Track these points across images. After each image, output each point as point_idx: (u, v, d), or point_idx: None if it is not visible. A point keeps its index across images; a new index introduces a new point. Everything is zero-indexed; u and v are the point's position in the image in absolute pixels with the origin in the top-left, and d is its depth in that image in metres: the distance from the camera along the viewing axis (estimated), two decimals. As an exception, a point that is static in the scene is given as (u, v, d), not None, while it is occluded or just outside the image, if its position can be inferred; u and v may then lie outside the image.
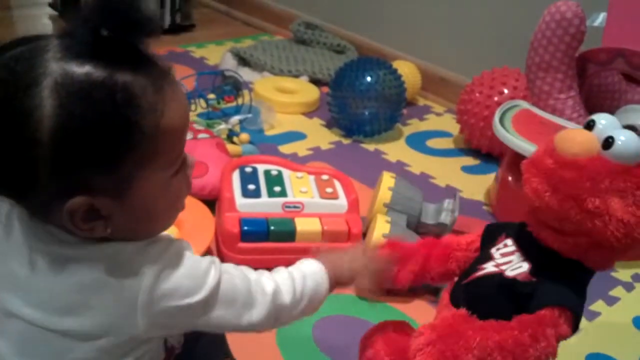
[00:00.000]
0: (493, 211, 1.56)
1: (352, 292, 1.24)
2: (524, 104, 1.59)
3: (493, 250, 0.90)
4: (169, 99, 0.60)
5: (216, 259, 0.69)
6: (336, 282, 0.81)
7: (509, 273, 0.87)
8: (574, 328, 0.84)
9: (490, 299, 0.87)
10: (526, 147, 1.42)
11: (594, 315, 1.27)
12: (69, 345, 0.63)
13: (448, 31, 2.11)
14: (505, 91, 1.74)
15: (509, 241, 0.90)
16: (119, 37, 0.57)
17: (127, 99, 0.57)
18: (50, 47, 0.57)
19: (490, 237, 0.94)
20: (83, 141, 0.56)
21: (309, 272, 0.78)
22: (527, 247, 0.88)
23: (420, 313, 1.20)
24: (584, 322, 1.21)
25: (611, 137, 0.78)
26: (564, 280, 0.84)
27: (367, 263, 0.85)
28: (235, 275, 0.70)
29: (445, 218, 1.36)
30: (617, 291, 1.35)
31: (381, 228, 1.21)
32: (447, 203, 1.38)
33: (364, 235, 1.32)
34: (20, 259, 0.63)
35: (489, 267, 0.89)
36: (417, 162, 1.76)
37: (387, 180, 1.37)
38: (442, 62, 2.13)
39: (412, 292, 1.24)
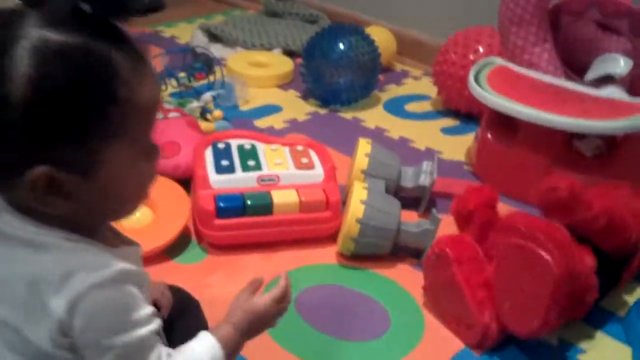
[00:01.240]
0: (474, 170, 1.54)
1: (335, 261, 1.23)
2: (499, 61, 1.56)
3: None
4: (142, 78, 0.60)
5: (155, 325, 0.63)
6: (233, 350, 0.74)
7: None
8: None
9: None
10: (503, 103, 1.40)
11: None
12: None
13: (420, -7, 2.07)
14: (480, 49, 1.71)
15: None
16: (98, 14, 0.57)
17: (103, 67, 0.56)
18: (29, 15, 0.56)
19: None
20: (55, 105, 0.55)
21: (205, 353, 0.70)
22: None
23: (404, 277, 1.19)
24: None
25: None
26: None
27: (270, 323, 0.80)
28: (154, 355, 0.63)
29: (424, 180, 1.33)
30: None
31: (359, 195, 1.19)
32: (426, 165, 1.36)
33: (344, 203, 1.30)
34: None
35: None
36: (396, 127, 1.74)
37: (363, 146, 1.34)
38: (417, 25, 2.10)
39: (395, 256, 1.23)
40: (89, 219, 0.62)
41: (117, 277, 0.60)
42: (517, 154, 1.43)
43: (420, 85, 2.01)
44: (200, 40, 2.06)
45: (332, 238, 1.25)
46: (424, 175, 1.34)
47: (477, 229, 1.10)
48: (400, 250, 1.23)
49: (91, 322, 0.59)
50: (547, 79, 1.48)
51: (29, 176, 0.56)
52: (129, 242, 0.71)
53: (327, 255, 1.24)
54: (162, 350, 0.64)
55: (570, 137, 1.42)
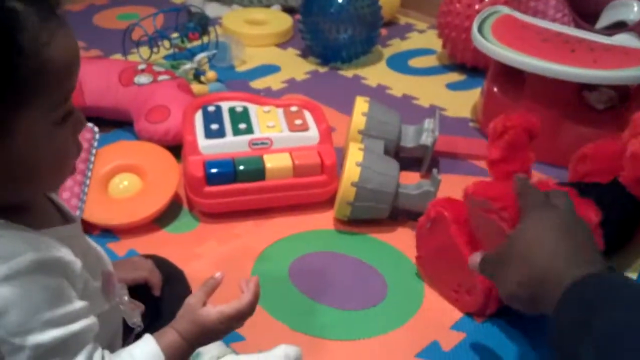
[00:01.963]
0: (480, 127, 1.47)
1: (332, 227, 1.18)
2: (504, 9, 1.48)
3: None
4: (55, 32, 0.54)
5: (82, 325, 0.57)
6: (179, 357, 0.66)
7: None
8: None
9: None
10: (508, 55, 1.32)
11: (591, 226, 1.20)
12: None
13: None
14: (486, -2, 1.62)
15: None
16: None
17: (9, 19, 0.52)
18: None
19: None
20: None
21: None
22: None
23: (404, 242, 1.13)
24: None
25: None
26: None
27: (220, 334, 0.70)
28: None
29: (426, 139, 1.27)
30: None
31: (354, 157, 1.13)
32: (427, 123, 1.30)
33: (341, 167, 1.25)
34: None
35: None
36: (399, 84, 1.66)
37: (360, 105, 1.28)
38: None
39: (394, 220, 1.17)
40: (6, 194, 0.57)
41: (30, 268, 0.54)
42: (524, 108, 1.35)
43: (426, 38, 1.93)
44: (195, -1, 1.98)
45: (328, 203, 1.20)
46: (426, 134, 1.27)
47: (504, 147, 1.01)
48: (400, 214, 1.17)
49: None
50: (555, 27, 1.40)
51: None
52: (69, 219, 0.65)
53: (323, 220, 1.19)
54: (95, 353, 0.58)
55: (580, 89, 1.35)
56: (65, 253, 0.58)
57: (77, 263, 0.59)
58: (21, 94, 0.53)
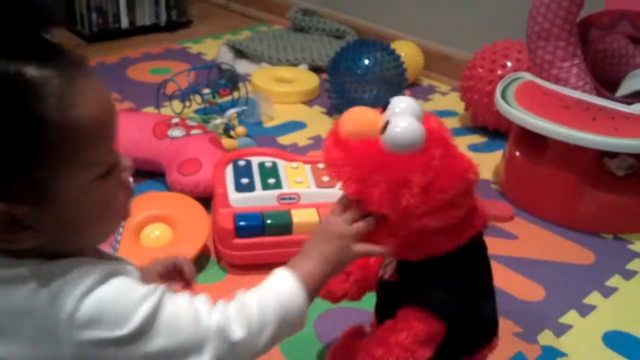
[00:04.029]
0: (501, 189, 1.50)
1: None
2: (527, 76, 1.53)
3: None
4: (81, 90, 0.55)
5: (161, 287, 0.61)
6: (318, 281, 0.72)
7: (384, 274, 0.87)
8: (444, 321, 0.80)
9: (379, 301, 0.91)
10: (530, 120, 1.36)
11: (611, 291, 1.21)
12: None
13: (448, 7, 2.04)
14: (509, 64, 1.67)
15: None
16: (19, 27, 0.53)
17: (24, 91, 0.52)
18: None
19: None
20: None
21: (270, 293, 0.68)
22: None
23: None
24: (598, 299, 1.17)
25: (388, 122, 0.72)
26: (420, 275, 0.81)
27: (341, 232, 0.75)
28: (182, 307, 0.61)
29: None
30: (635, 264, 1.29)
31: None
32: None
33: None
34: None
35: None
36: (422, 144, 1.70)
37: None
38: (444, 39, 2.07)
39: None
40: (63, 247, 0.59)
41: (107, 276, 0.58)
42: (545, 172, 1.39)
43: (448, 100, 1.98)
44: (226, 57, 2.05)
45: (353, 258, 1.22)
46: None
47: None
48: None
49: (95, 324, 0.56)
50: (576, 94, 1.44)
51: None
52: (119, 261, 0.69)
53: None
54: (197, 299, 0.63)
55: (600, 156, 1.38)
56: (130, 270, 0.63)
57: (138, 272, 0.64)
58: (53, 157, 0.54)
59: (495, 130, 1.73)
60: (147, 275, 0.74)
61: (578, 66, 1.49)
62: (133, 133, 1.44)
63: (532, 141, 1.42)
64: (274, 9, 2.53)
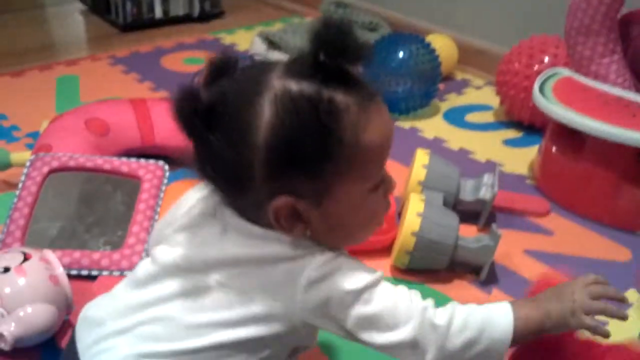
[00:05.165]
0: (537, 185, 1.49)
1: (389, 275, 1.20)
2: (565, 72, 1.51)
3: None
4: (372, 118, 0.66)
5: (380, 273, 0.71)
6: (531, 327, 0.72)
7: None
8: None
9: None
10: (569, 116, 1.34)
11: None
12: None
13: (483, 0, 2.02)
14: (546, 59, 1.65)
15: None
16: (334, 62, 0.64)
17: (330, 113, 0.63)
18: (275, 68, 0.66)
19: None
20: (290, 147, 0.63)
21: (483, 307, 0.73)
22: None
23: (461, 294, 1.15)
24: (635, 296, 1.16)
25: None
26: None
27: (579, 300, 0.74)
28: (397, 288, 0.71)
29: (484, 194, 1.29)
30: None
31: (415, 207, 1.16)
32: (487, 178, 1.32)
33: (399, 215, 1.27)
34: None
35: None
36: (456, 138, 1.69)
37: (421, 157, 1.31)
38: (479, 33, 2.05)
39: (452, 271, 1.19)
40: (326, 244, 0.70)
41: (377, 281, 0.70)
42: (582, 168, 1.38)
43: (482, 94, 1.96)
44: (259, 48, 2.05)
45: (386, 250, 1.22)
46: (485, 189, 1.30)
47: None
48: (458, 266, 1.19)
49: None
50: (616, 91, 1.42)
51: (274, 205, 0.65)
52: None
53: (381, 268, 1.17)
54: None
55: (639, 153, 1.36)
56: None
57: None
58: (339, 170, 0.65)
59: (530, 125, 1.71)
60: None
61: (617, 62, 1.46)
62: (170, 121, 1.44)
63: (570, 137, 1.40)
64: (307, 1, 2.53)
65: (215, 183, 0.69)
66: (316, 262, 0.67)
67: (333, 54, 0.63)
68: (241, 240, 0.70)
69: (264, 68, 0.67)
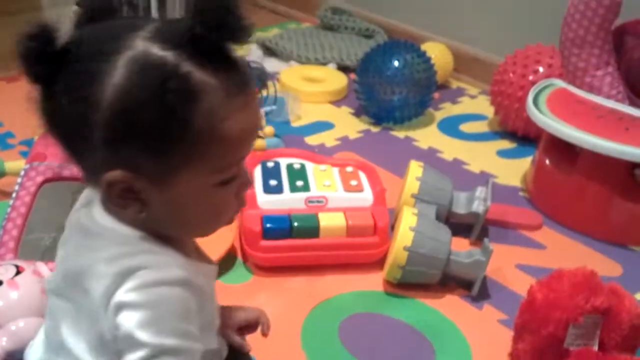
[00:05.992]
0: (530, 197, 1.49)
1: (381, 289, 1.20)
2: (559, 83, 1.51)
3: None
4: (236, 109, 0.59)
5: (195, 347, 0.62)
6: None
7: None
8: None
9: None
10: (562, 129, 1.35)
11: (639, 304, 1.20)
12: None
13: (479, 9, 2.03)
14: (540, 70, 1.65)
15: None
16: (209, 37, 0.57)
17: (177, 91, 0.57)
18: (145, 28, 0.59)
19: None
20: (131, 116, 0.57)
21: None
22: None
23: (452, 309, 1.15)
24: None
25: None
26: None
27: None
28: None
29: (477, 207, 1.29)
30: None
31: (408, 221, 1.16)
32: (480, 191, 1.32)
33: (392, 227, 1.28)
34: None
35: None
36: (450, 148, 1.70)
37: (415, 169, 1.31)
38: (475, 41, 2.05)
39: (443, 285, 1.19)
40: (164, 230, 0.64)
41: (177, 281, 0.61)
42: (575, 182, 1.38)
43: (477, 104, 1.96)
44: (255, 54, 2.05)
45: (379, 264, 1.22)
46: (478, 202, 1.30)
47: None
48: (450, 280, 1.19)
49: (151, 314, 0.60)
50: (610, 104, 1.43)
51: (107, 177, 0.59)
52: (208, 261, 0.72)
53: (373, 281, 1.21)
54: None
55: (632, 167, 1.36)
56: (204, 284, 0.65)
57: (211, 298, 0.66)
58: (185, 155, 0.59)
59: (524, 136, 1.71)
60: (230, 320, 0.80)
61: (612, 75, 1.47)
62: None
63: (563, 149, 1.40)
64: (303, 7, 2.53)
65: (57, 139, 0.62)
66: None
67: (208, 28, 0.57)
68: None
69: (134, 25, 0.60)
